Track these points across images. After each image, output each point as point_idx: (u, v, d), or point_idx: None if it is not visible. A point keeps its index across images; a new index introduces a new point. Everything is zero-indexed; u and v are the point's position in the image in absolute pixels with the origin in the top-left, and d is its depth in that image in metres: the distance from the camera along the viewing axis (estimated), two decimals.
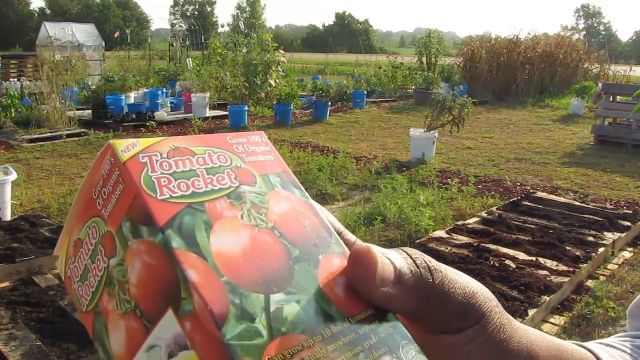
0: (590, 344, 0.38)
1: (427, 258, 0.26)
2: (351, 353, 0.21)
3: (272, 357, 0.20)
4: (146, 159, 0.23)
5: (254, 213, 0.24)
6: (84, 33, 16.14)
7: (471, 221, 4.03)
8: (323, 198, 4.89)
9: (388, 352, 0.23)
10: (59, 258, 0.26)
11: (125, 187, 0.22)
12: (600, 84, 11.17)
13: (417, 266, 0.25)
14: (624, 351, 0.41)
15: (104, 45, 16.70)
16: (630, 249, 3.81)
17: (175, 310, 0.20)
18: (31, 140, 7.25)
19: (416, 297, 0.25)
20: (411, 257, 0.26)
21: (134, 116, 8.81)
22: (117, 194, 0.23)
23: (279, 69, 10.81)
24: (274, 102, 9.74)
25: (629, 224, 4.04)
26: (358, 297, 0.24)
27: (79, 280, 0.24)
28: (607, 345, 0.41)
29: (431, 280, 0.25)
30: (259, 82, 10.29)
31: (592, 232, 3.83)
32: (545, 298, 2.78)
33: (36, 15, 53.28)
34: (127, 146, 0.23)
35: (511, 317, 0.30)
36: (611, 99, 8.38)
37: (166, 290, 0.21)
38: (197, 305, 0.20)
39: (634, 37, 78.84)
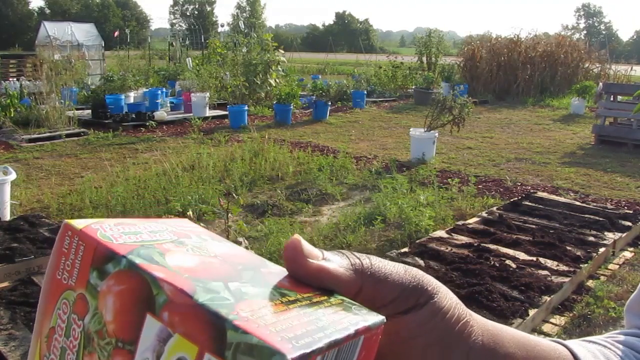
0: (568, 341, 0.38)
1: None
2: (311, 309, 0.24)
3: (242, 309, 0.22)
4: (98, 226, 0.26)
5: (196, 249, 0.27)
6: (83, 33, 16.13)
7: (471, 221, 4.02)
8: (323, 198, 4.88)
9: (343, 303, 0.25)
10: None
11: (85, 246, 0.25)
12: (601, 84, 11.16)
13: (346, 255, 0.28)
14: (607, 347, 0.40)
15: (103, 44, 16.69)
16: (631, 249, 3.80)
17: (152, 311, 0.23)
18: (30, 140, 7.24)
19: (350, 273, 0.27)
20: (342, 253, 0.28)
21: (134, 116, 8.80)
22: (80, 256, 0.25)
23: (279, 68, 10.81)
24: (274, 102, 9.74)
25: (629, 224, 4.03)
26: (302, 284, 0.26)
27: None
28: (589, 341, 0.41)
29: (359, 262, 0.27)
30: (259, 82, 10.29)
31: (593, 232, 3.82)
32: (546, 298, 2.77)
33: (35, 14, 53.26)
34: (79, 223, 0.26)
35: (473, 313, 0.31)
36: (612, 98, 8.38)
37: (139, 301, 0.23)
38: (169, 292, 0.23)
39: (635, 37, 78.83)
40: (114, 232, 0.26)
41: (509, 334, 0.33)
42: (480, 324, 0.31)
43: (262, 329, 0.21)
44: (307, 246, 0.27)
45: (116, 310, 0.24)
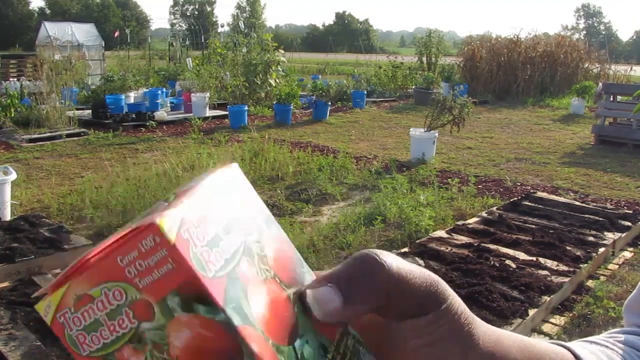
0: (570, 343, 0.38)
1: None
2: None
3: None
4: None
5: (261, 266, 0.27)
6: (83, 33, 16.13)
7: (471, 221, 4.03)
8: (323, 198, 4.89)
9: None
10: (46, 300, 0.25)
11: (175, 268, 0.23)
12: (600, 84, 11.16)
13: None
14: (608, 347, 0.40)
15: (103, 45, 16.70)
16: (631, 249, 3.81)
17: None
18: (31, 140, 7.24)
19: (375, 300, 0.27)
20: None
21: (134, 116, 8.80)
22: (163, 272, 0.24)
23: (279, 68, 10.81)
24: (274, 102, 9.74)
25: (629, 224, 4.03)
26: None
27: (82, 329, 0.25)
28: (590, 342, 0.41)
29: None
30: (259, 82, 10.29)
31: (593, 232, 3.82)
32: (546, 298, 2.77)
33: (36, 15, 53.25)
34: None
35: (475, 316, 0.31)
36: (612, 98, 8.38)
37: (222, 357, 0.24)
38: None
39: (635, 37, 78.81)
40: (201, 244, 0.24)
41: (510, 337, 0.33)
42: (482, 327, 0.31)
43: None
44: (319, 307, 0.27)
45: (191, 348, 0.24)
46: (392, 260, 0.27)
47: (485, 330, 0.31)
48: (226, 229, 0.26)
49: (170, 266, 0.23)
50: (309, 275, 0.30)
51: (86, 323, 0.25)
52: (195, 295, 0.24)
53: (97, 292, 0.24)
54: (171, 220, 0.24)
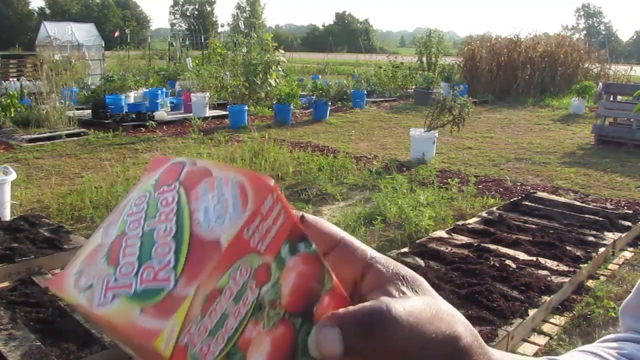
0: (562, 356, 0.38)
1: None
2: None
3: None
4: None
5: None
6: (83, 33, 16.13)
7: (471, 221, 4.03)
8: (323, 198, 4.89)
9: None
10: (164, 333, 0.21)
11: (286, 218, 0.25)
12: (600, 84, 11.16)
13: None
14: (600, 355, 0.40)
15: (103, 45, 16.69)
16: (631, 249, 3.81)
17: (318, 293, 0.27)
18: (31, 140, 7.24)
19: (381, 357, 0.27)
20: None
21: (134, 116, 8.80)
22: (278, 226, 0.25)
23: (279, 68, 10.81)
24: (274, 102, 9.74)
25: (629, 224, 4.03)
26: None
27: (208, 336, 0.22)
28: (582, 351, 0.41)
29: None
30: (259, 82, 10.29)
31: (593, 232, 3.82)
32: (546, 298, 2.77)
33: (36, 14, 53.24)
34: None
35: (485, 345, 0.30)
36: (612, 98, 8.38)
37: (316, 282, 0.27)
38: (334, 283, 0.28)
39: (635, 37, 78.81)
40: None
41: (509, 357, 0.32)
42: (496, 355, 0.30)
43: None
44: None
45: (295, 286, 0.26)
46: (405, 315, 0.26)
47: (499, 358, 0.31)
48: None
49: (282, 218, 0.25)
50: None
51: (212, 326, 0.22)
52: (298, 237, 0.26)
53: (225, 281, 0.22)
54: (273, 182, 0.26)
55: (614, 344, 0.42)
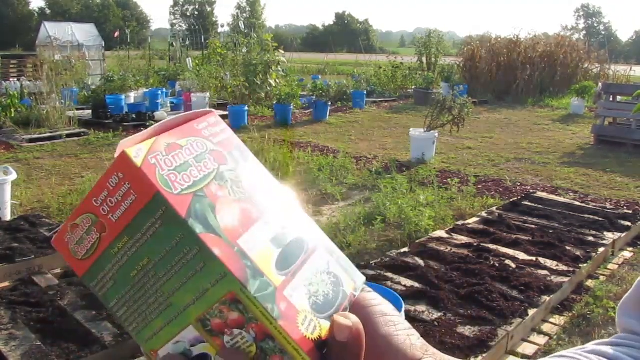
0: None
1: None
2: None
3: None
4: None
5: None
6: (84, 33, 16.13)
7: (471, 221, 4.03)
8: (323, 198, 4.89)
9: None
10: (134, 147, 0.29)
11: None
12: (600, 84, 11.17)
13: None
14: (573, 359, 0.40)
15: (104, 45, 16.69)
16: (631, 249, 3.81)
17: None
18: (31, 140, 7.25)
19: None
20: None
21: (134, 116, 8.80)
22: (223, 137, 0.34)
23: (279, 68, 10.81)
24: (274, 102, 9.74)
25: (629, 224, 4.04)
26: None
27: (173, 170, 0.29)
28: (559, 356, 0.41)
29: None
30: (259, 82, 10.29)
31: (592, 232, 3.82)
32: (545, 298, 2.78)
33: (36, 15, 53.24)
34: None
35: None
36: (611, 99, 8.39)
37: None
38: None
39: (634, 37, 78.81)
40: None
41: None
42: None
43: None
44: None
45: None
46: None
47: None
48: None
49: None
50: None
51: (177, 164, 0.29)
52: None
53: (184, 142, 0.31)
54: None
55: (597, 348, 0.42)
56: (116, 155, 0.29)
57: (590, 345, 0.43)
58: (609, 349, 0.42)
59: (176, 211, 0.27)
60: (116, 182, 0.28)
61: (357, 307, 0.32)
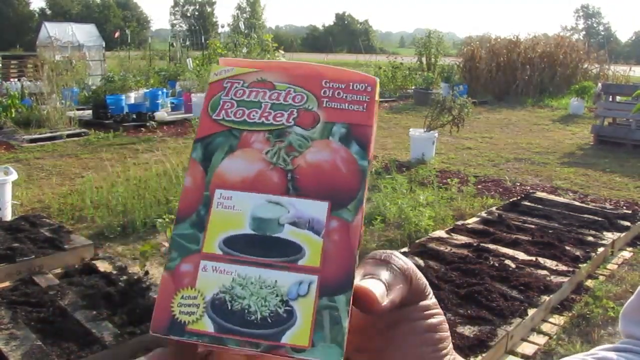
0: None
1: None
2: None
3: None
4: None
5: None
6: (84, 33, 16.14)
7: (471, 221, 4.03)
8: None
9: None
10: (223, 67, 0.28)
11: (365, 114, 0.27)
12: (599, 84, 11.17)
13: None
14: None
15: (104, 45, 16.70)
16: (630, 249, 3.81)
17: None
18: (31, 141, 7.25)
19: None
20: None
21: (134, 116, 8.80)
22: (354, 108, 0.28)
23: None
24: None
25: (628, 224, 4.04)
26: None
27: (237, 100, 0.28)
28: None
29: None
30: None
31: (592, 232, 3.83)
32: (545, 298, 2.78)
33: (36, 15, 53.26)
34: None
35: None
36: (611, 99, 8.39)
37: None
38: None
39: (634, 38, 78.84)
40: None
41: None
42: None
43: None
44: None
45: (314, 166, 0.26)
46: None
47: None
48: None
49: (361, 109, 0.27)
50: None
51: (246, 99, 0.27)
52: (357, 138, 0.26)
53: (282, 87, 0.27)
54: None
55: (601, 353, 0.42)
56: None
57: (594, 350, 0.44)
58: (613, 355, 0.42)
59: (197, 132, 0.27)
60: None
61: (402, 320, 0.29)
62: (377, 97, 0.27)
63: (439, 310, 0.30)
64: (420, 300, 0.30)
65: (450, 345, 0.30)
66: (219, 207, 0.25)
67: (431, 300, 0.30)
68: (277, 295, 0.24)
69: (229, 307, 0.24)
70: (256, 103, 0.27)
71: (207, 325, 0.24)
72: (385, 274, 0.27)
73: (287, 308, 0.24)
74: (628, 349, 0.44)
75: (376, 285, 0.26)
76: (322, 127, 0.27)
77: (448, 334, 0.30)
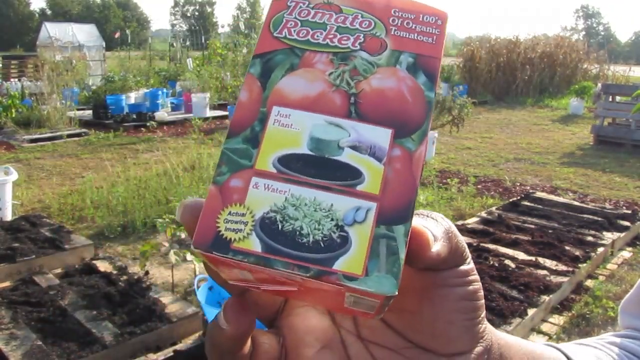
0: (561, 344, 0.39)
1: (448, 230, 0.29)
2: None
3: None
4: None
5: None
6: (84, 33, 16.15)
7: (471, 221, 4.04)
8: None
9: None
10: None
11: (434, 45, 0.26)
12: (599, 84, 11.18)
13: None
14: (597, 348, 0.41)
15: (104, 45, 16.71)
16: (630, 248, 3.82)
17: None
18: (32, 141, 7.26)
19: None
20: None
21: (135, 116, 8.81)
22: (423, 39, 0.26)
23: None
24: None
25: (628, 224, 4.04)
26: None
27: (301, 20, 0.26)
28: (579, 344, 0.41)
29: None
30: None
31: (592, 232, 3.83)
32: (545, 298, 2.79)
33: (37, 15, 53.28)
34: None
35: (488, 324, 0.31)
36: (610, 99, 8.39)
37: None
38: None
39: (633, 38, 78.84)
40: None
41: (517, 343, 0.33)
42: (495, 333, 0.31)
43: None
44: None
45: (379, 92, 0.25)
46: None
47: (496, 334, 0.31)
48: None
49: (431, 42, 0.26)
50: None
51: (311, 19, 0.26)
52: (425, 69, 0.25)
53: (350, 11, 0.26)
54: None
55: (617, 340, 0.43)
56: None
57: (606, 336, 0.44)
58: (618, 340, 0.43)
59: (256, 47, 0.25)
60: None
61: (439, 283, 0.28)
62: (445, 33, 0.26)
63: (477, 277, 0.29)
64: (459, 264, 0.29)
65: (483, 314, 0.30)
66: (275, 124, 0.24)
67: (469, 265, 0.29)
68: (332, 220, 0.23)
69: (280, 228, 0.22)
70: (321, 24, 0.26)
71: (254, 245, 0.22)
72: (432, 225, 0.26)
73: (341, 233, 0.22)
74: (631, 336, 0.44)
75: (432, 226, 0.26)
76: (389, 55, 0.26)
77: (483, 302, 0.29)
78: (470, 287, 0.29)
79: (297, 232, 0.22)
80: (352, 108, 0.24)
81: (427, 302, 0.28)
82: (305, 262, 0.22)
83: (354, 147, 0.24)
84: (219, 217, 0.23)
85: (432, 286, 0.28)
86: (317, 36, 0.25)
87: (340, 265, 0.22)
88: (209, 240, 0.22)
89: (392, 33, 0.26)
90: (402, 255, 0.22)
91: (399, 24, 0.26)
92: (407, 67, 0.25)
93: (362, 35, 0.26)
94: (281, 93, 0.24)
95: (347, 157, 0.24)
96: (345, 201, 0.23)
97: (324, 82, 0.25)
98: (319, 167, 0.23)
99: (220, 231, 0.22)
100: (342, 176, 0.23)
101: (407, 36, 0.26)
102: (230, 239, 0.22)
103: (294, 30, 0.25)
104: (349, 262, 0.22)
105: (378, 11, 0.26)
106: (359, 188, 0.23)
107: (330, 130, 0.24)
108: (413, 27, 0.26)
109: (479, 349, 0.29)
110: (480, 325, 0.29)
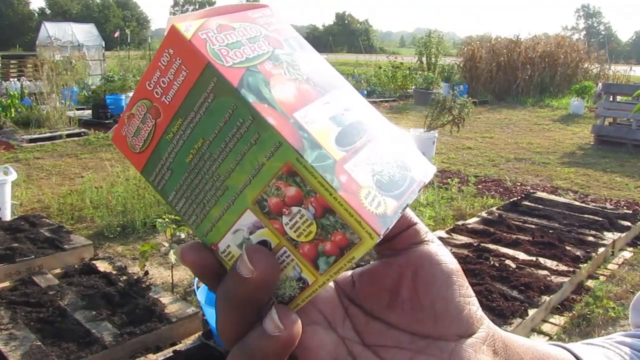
0: (569, 344, 0.38)
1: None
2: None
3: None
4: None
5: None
6: (84, 33, 16.14)
7: (471, 221, 4.03)
8: None
9: None
10: (184, 23, 0.28)
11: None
12: (600, 84, 11.17)
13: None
14: (606, 347, 0.40)
15: (104, 45, 16.70)
16: (630, 249, 3.81)
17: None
18: (31, 140, 7.25)
19: None
20: None
21: None
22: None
23: None
24: None
25: (629, 224, 4.04)
26: None
27: (225, 46, 0.28)
28: (587, 344, 0.41)
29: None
30: None
31: (592, 232, 3.83)
32: (546, 298, 2.78)
33: (36, 15, 53.27)
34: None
35: (491, 322, 0.32)
36: (611, 99, 8.39)
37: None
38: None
39: (634, 37, 78.83)
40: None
41: (521, 342, 0.33)
42: (497, 330, 0.31)
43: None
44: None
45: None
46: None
47: (498, 332, 0.31)
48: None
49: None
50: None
51: (229, 42, 0.28)
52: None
53: (237, 25, 0.30)
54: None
55: (620, 339, 0.42)
56: (166, 31, 0.27)
57: (614, 336, 0.43)
58: (628, 339, 0.42)
59: (228, 81, 0.26)
60: (167, 60, 0.27)
61: (425, 262, 0.30)
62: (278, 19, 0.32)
63: (451, 255, 0.32)
64: (417, 242, 0.31)
65: (473, 295, 0.32)
66: (309, 124, 0.27)
67: (438, 244, 0.32)
68: (395, 159, 0.30)
69: (385, 180, 0.27)
70: (238, 42, 0.28)
71: (390, 204, 0.27)
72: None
73: (400, 164, 0.30)
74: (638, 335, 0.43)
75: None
76: (287, 44, 0.31)
77: (466, 280, 0.32)
78: (452, 265, 0.32)
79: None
80: (318, 89, 0.29)
81: (422, 285, 0.30)
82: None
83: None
84: (364, 202, 0.26)
85: (420, 268, 0.30)
86: (247, 51, 0.28)
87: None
88: (379, 224, 0.26)
89: (270, 29, 0.31)
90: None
91: (265, 23, 0.31)
92: (299, 46, 0.31)
93: (262, 38, 0.30)
94: (285, 102, 0.27)
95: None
96: None
97: (290, 81, 0.28)
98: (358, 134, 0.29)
99: (371, 211, 0.26)
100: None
101: (276, 28, 0.31)
102: (379, 213, 0.27)
103: (230, 56, 0.27)
104: None
105: (248, 19, 0.30)
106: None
107: (338, 109, 0.29)
108: (270, 22, 0.31)
109: (482, 333, 0.30)
110: (473, 305, 0.31)
